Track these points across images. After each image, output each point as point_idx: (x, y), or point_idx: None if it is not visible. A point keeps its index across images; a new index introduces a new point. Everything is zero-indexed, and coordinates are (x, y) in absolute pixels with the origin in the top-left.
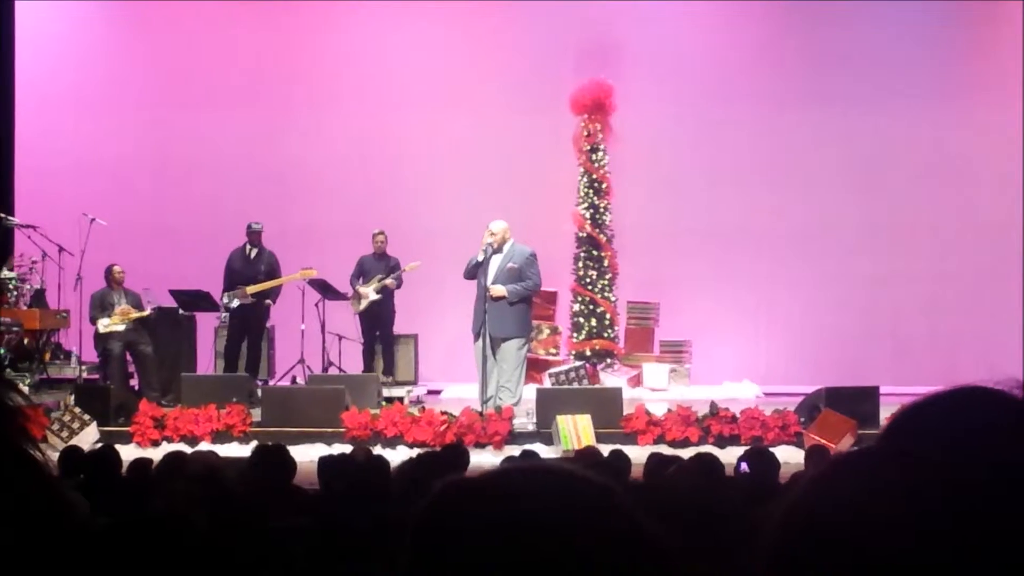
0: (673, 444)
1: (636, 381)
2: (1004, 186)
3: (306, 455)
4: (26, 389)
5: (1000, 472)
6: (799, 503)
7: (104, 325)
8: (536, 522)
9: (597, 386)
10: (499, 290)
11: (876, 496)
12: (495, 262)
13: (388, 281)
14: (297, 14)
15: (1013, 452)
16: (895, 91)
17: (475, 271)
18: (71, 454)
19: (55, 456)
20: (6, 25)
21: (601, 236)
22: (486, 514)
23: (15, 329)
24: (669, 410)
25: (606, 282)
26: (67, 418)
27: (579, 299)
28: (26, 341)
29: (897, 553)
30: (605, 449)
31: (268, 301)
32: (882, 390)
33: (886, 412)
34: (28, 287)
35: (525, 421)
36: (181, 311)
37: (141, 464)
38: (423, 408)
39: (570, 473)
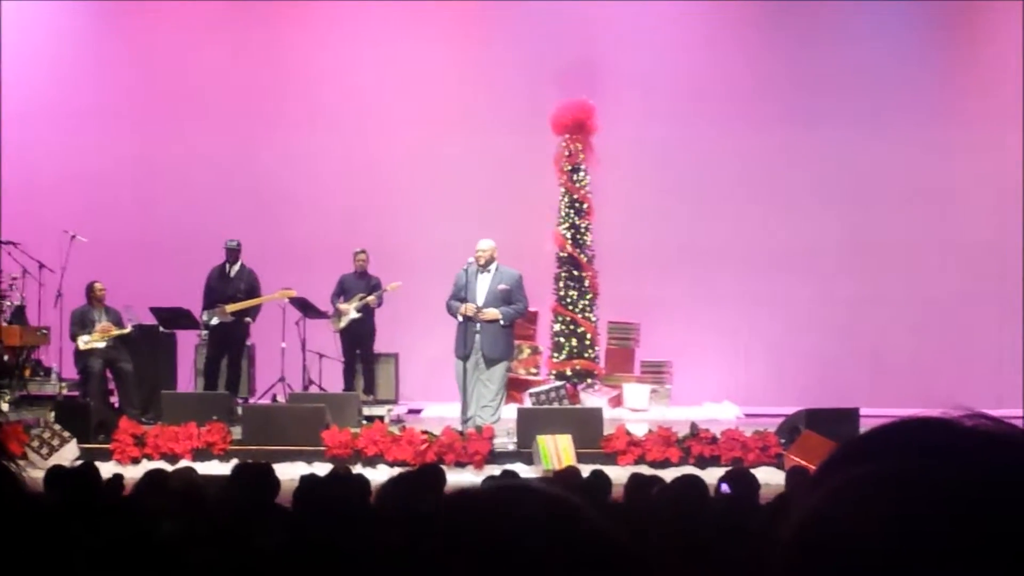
0: (653, 464)
1: (617, 401)
2: (987, 209)
3: (286, 474)
4: (6, 406)
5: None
6: (809, 527)
7: (84, 342)
8: (519, 542)
9: (578, 406)
10: (493, 313)
11: (887, 521)
12: (483, 282)
13: (370, 299)
14: (281, 33)
15: (964, 479)
16: (879, 112)
17: (457, 297)
18: (55, 472)
19: (37, 474)
20: None
21: (582, 256)
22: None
23: None
24: (650, 431)
25: (587, 302)
26: (47, 435)
27: (560, 319)
28: (6, 358)
29: None
30: (585, 469)
31: (248, 319)
32: (862, 411)
33: None
34: (8, 304)
35: (506, 441)
36: (161, 328)
37: (112, 482)
38: (403, 427)
39: (544, 492)
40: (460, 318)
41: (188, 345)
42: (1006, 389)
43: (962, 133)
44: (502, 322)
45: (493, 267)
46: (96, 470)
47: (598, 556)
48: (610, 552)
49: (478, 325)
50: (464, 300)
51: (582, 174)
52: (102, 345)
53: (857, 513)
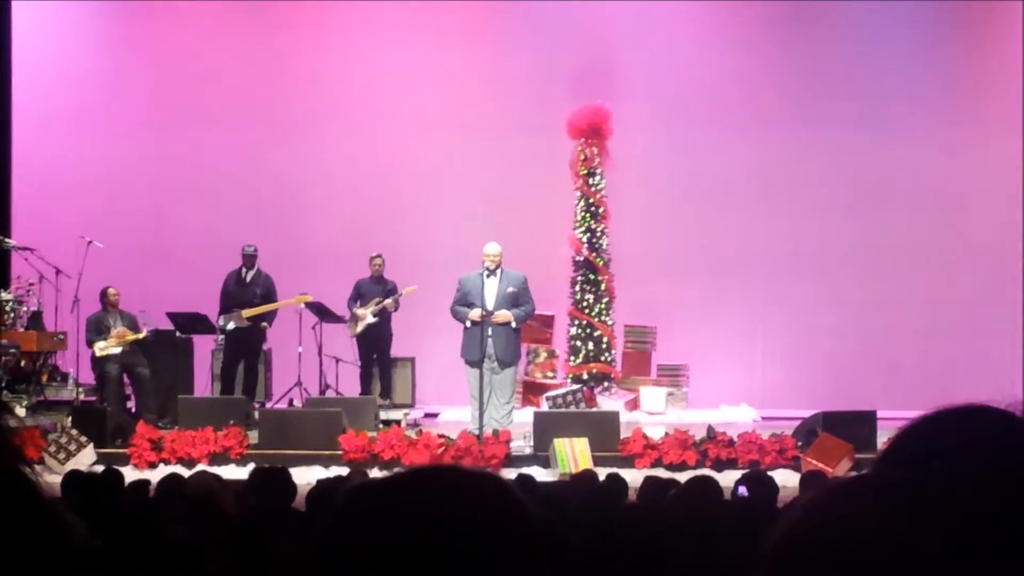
0: (670, 468)
1: (633, 405)
2: (999, 211)
3: (303, 478)
4: (23, 411)
5: (997, 491)
6: (792, 531)
7: (100, 348)
8: (434, 513)
9: (594, 410)
10: (505, 315)
11: (869, 524)
12: (491, 285)
13: (387, 302)
14: (294, 37)
15: (1009, 469)
16: (892, 115)
17: (464, 301)
18: (74, 477)
19: (54, 479)
20: (3, 46)
21: (598, 260)
22: (390, 509)
23: (12, 351)
24: (666, 434)
25: (603, 306)
26: (64, 440)
27: (576, 323)
28: (23, 363)
29: None
30: (602, 473)
31: (264, 324)
32: (879, 414)
33: (883, 436)
34: (25, 309)
35: (522, 444)
36: (178, 333)
37: (138, 486)
38: (420, 431)
39: (458, 469)
40: (469, 323)
41: (205, 350)
42: (1020, 390)
43: (974, 135)
44: (513, 324)
45: (499, 271)
46: (119, 475)
47: (529, 538)
48: (538, 534)
49: (490, 329)
50: (472, 305)
51: (598, 178)
52: (118, 350)
53: (838, 517)
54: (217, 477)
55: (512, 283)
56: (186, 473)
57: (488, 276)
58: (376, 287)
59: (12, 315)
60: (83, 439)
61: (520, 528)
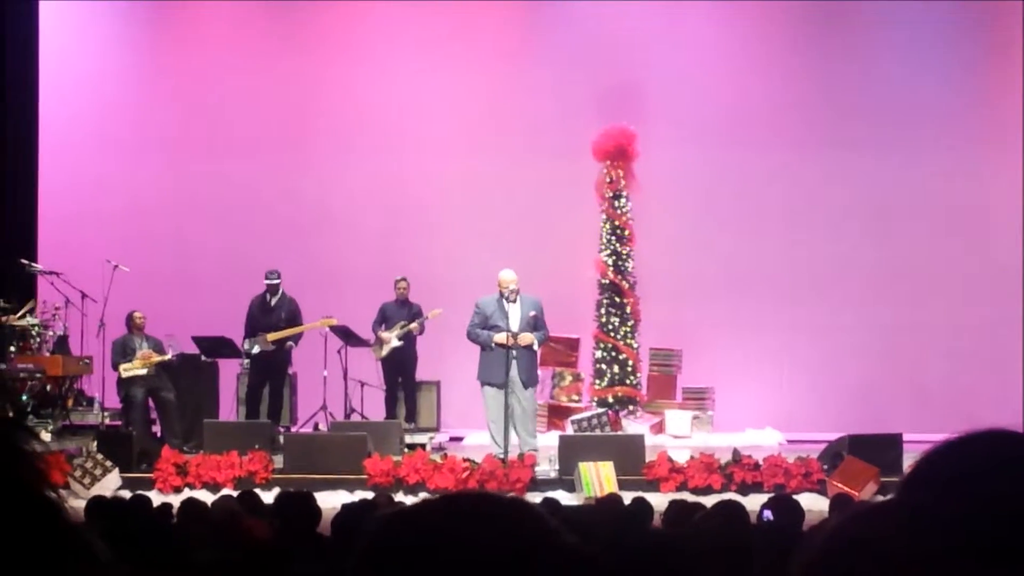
0: (696, 491)
1: (658, 428)
2: None
3: (328, 502)
4: (49, 435)
5: (1022, 516)
6: (818, 555)
7: (125, 368)
8: (467, 541)
9: (619, 433)
10: (529, 338)
11: (894, 549)
12: (514, 310)
13: (413, 326)
14: (320, 61)
15: None
16: (917, 138)
17: (484, 324)
18: (99, 502)
19: (78, 503)
20: (30, 72)
21: (624, 283)
22: (422, 537)
23: (38, 375)
24: (692, 457)
25: (628, 329)
26: (89, 464)
27: (601, 346)
28: (49, 388)
29: None
30: (627, 496)
31: (290, 343)
32: (905, 437)
33: (909, 459)
34: (51, 333)
35: (547, 468)
36: (203, 357)
37: (162, 511)
38: (445, 455)
39: (489, 495)
40: (494, 347)
41: (230, 374)
42: None
43: (1000, 158)
44: (535, 346)
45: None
46: (147, 500)
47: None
48: (575, 562)
49: (515, 352)
50: (496, 327)
51: (623, 200)
52: (144, 372)
53: (863, 541)
54: (253, 496)
55: (532, 307)
56: (211, 498)
57: (510, 302)
58: (401, 310)
59: (38, 340)
60: (108, 463)
61: (553, 555)
